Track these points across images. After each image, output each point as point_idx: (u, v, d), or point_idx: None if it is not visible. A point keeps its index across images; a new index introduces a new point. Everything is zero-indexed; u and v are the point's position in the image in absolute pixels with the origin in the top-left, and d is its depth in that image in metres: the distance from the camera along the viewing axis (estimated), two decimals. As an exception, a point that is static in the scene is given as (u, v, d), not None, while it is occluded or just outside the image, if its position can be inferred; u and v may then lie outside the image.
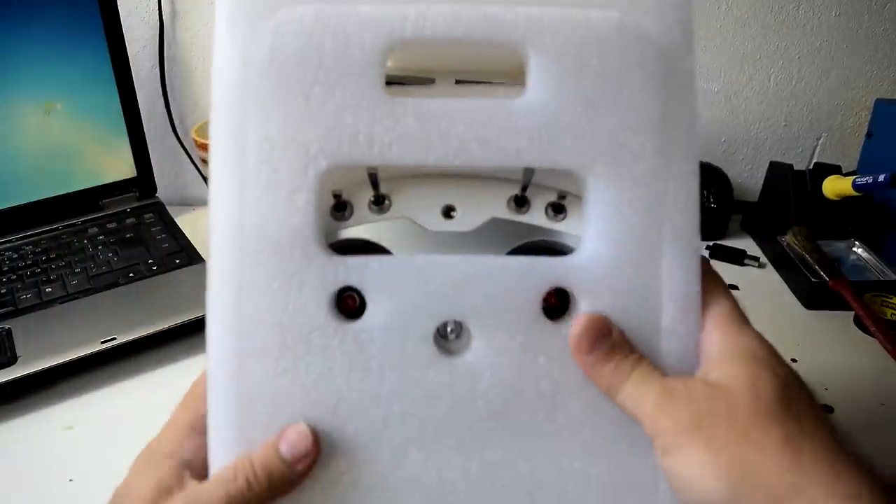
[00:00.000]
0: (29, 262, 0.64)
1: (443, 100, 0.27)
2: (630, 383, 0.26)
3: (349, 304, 0.27)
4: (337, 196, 0.29)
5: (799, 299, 0.66)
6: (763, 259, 0.73)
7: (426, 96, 0.27)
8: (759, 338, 0.27)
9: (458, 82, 0.33)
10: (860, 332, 0.60)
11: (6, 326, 0.55)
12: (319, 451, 0.27)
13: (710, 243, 0.74)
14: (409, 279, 0.27)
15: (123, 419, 0.49)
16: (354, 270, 0.27)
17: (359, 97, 0.26)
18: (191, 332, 0.56)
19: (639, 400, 0.26)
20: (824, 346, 0.59)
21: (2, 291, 0.60)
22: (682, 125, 0.27)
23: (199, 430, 0.28)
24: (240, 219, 0.27)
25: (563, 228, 0.30)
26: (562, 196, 0.30)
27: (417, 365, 0.27)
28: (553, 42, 0.27)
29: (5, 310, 0.57)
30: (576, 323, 0.27)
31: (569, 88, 0.27)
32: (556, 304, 0.28)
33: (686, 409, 0.25)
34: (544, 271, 0.27)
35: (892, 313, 0.63)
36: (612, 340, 0.27)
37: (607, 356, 0.26)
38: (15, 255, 0.65)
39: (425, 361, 0.27)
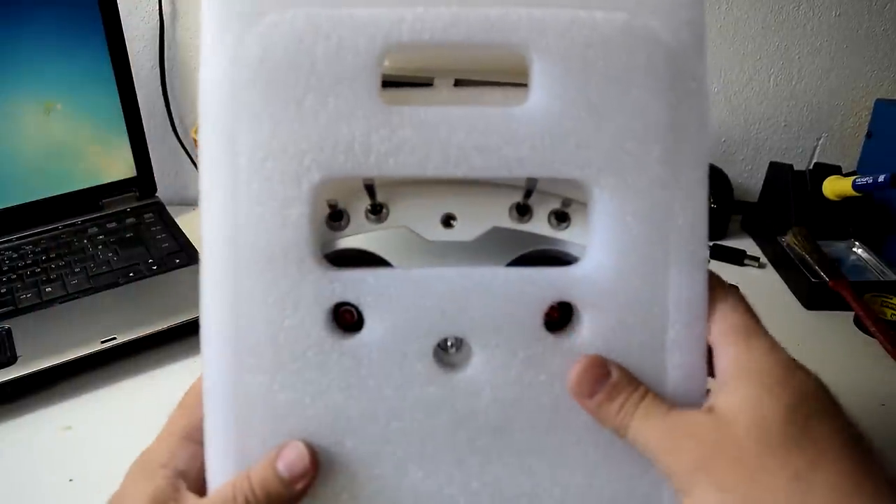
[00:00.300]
0: (29, 262, 0.64)
1: (442, 108, 0.26)
2: (636, 422, 0.25)
3: (347, 318, 0.27)
4: (332, 205, 0.29)
5: (799, 299, 0.66)
6: (763, 259, 0.72)
7: (424, 104, 0.26)
8: (771, 349, 0.25)
9: (457, 83, 0.32)
10: (860, 333, 0.60)
11: (6, 326, 0.55)
12: (318, 469, 0.26)
13: (710, 243, 0.74)
14: (407, 294, 0.26)
15: (123, 419, 0.49)
16: (350, 285, 0.26)
17: (353, 105, 0.25)
18: (191, 332, 0.56)
19: (646, 439, 0.25)
20: (824, 347, 0.59)
21: (2, 291, 0.60)
22: (690, 131, 0.26)
23: (194, 438, 0.27)
24: (232, 231, 0.26)
25: (567, 237, 0.29)
26: (566, 203, 0.29)
27: (416, 381, 0.26)
28: (557, 44, 0.25)
29: (5, 310, 0.57)
30: (572, 369, 0.26)
31: (573, 93, 0.26)
32: (558, 317, 0.27)
33: (692, 449, 0.24)
34: (546, 284, 0.26)
35: (892, 313, 0.62)
36: (611, 380, 0.26)
37: (610, 397, 0.26)
38: (15, 255, 0.65)
39: (424, 378, 0.27)
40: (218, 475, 0.27)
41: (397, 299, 0.26)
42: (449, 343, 0.27)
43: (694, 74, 0.26)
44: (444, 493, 0.27)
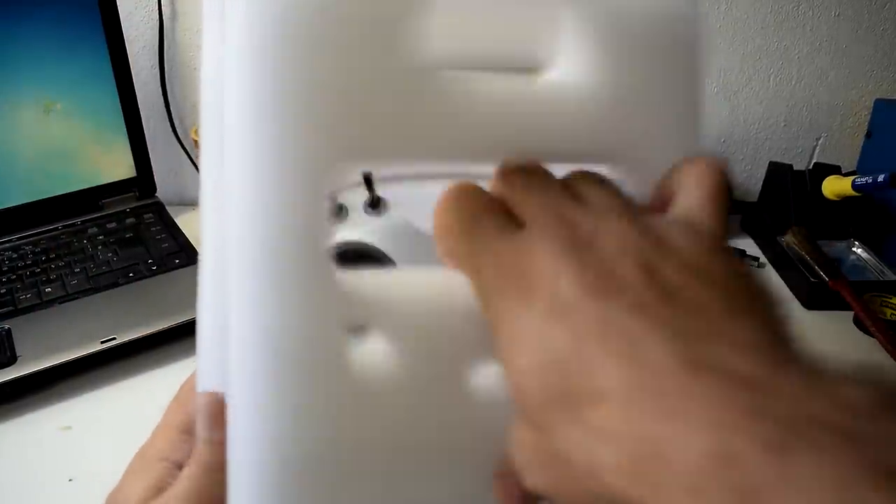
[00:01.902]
0: (29, 262, 0.64)
1: (445, 95, 0.26)
2: None
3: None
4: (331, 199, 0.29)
5: (799, 299, 0.66)
6: (763, 259, 0.73)
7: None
8: None
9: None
10: (860, 332, 0.60)
11: (6, 326, 0.55)
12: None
13: (710, 243, 0.74)
14: (411, 305, 0.25)
15: (123, 419, 0.49)
16: (354, 292, 0.25)
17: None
18: (190, 332, 0.55)
19: None
20: (824, 346, 0.59)
21: (2, 291, 0.60)
22: (695, 114, 0.27)
23: (191, 431, 0.27)
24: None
25: None
26: None
27: (422, 389, 0.25)
28: (586, 21, 0.25)
29: (5, 310, 0.57)
30: None
31: (602, 72, 0.25)
32: None
33: None
34: None
35: (891, 313, 0.63)
36: None
37: None
38: (15, 255, 0.65)
39: (431, 386, 0.25)
40: None
41: (403, 312, 0.25)
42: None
43: (700, 63, 0.26)
44: None
